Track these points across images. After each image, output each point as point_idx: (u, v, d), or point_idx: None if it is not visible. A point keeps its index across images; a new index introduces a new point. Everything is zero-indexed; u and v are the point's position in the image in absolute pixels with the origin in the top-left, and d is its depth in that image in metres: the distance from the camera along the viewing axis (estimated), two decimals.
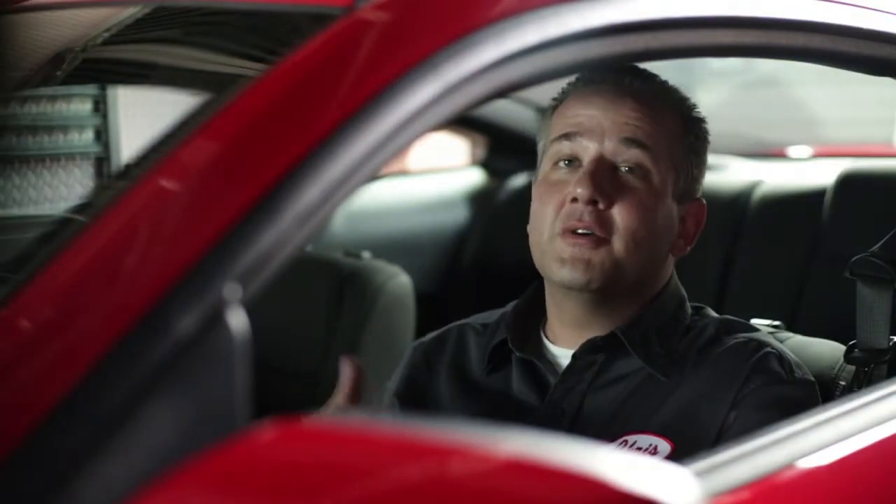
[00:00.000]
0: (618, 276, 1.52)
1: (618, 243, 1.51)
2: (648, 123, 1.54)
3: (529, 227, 1.58)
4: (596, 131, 1.54)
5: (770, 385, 1.50)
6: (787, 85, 4.51)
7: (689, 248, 1.61)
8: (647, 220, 1.52)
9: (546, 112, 1.63)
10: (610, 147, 1.53)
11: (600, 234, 1.50)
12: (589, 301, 1.55)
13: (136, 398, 0.91)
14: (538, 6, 1.14)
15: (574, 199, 1.51)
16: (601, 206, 1.50)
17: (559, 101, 1.61)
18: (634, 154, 1.53)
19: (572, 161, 1.54)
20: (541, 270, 1.58)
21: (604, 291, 1.53)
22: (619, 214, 1.51)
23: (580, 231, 1.51)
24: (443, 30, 1.09)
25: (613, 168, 1.53)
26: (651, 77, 1.60)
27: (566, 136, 1.55)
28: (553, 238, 1.53)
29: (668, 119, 1.56)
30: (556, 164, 1.56)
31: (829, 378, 1.62)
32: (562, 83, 1.61)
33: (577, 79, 1.60)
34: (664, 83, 1.61)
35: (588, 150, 1.53)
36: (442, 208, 3.12)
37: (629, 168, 1.53)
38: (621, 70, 1.57)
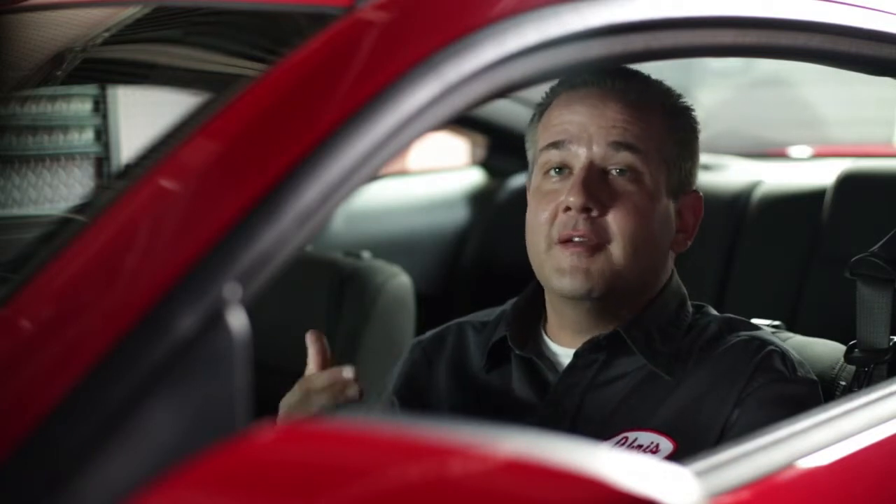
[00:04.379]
0: (618, 281, 1.51)
1: (616, 249, 1.50)
2: (636, 125, 1.53)
3: (526, 237, 1.58)
4: (583, 137, 1.53)
5: (773, 383, 1.50)
6: (787, 85, 4.51)
7: (689, 242, 1.60)
8: (642, 223, 1.51)
9: (532, 120, 1.62)
10: (599, 152, 1.52)
11: (597, 241, 1.50)
12: (590, 308, 1.55)
13: (137, 398, 0.91)
14: (538, 6, 1.14)
15: (567, 208, 1.50)
16: (595, 213, 1.50)
17: (544, 108, 1.60)
18: (624, 157, 1.52)
19: (562, 169, 1.54)
20: (541, 280, 1.57)
21: (605, 298, 1.53)
22: (615, 220, 1.50)
23: (576, 239, 1.50)
24: (443, 30, 1.09)
25: (604, 173, 1.52)
26: (634, 75, 1.58)
27: (554, 145, 1.54)
28: (550, 248, 1.52)
29: (656, 117, 1.55)
30: (546, 173, 1.55)
31: (829, 378, 1.62)
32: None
33: (560, 84, 1.59)
34: (647, 79, 1.59)
35: (578, 156, 1.53)
36: (442, 208, 3.12)
37: (620, 171, 1.52)
38: (605, 72, 1.55)
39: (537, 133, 1.59)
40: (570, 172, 1.53)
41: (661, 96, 1.59)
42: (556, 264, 1.52)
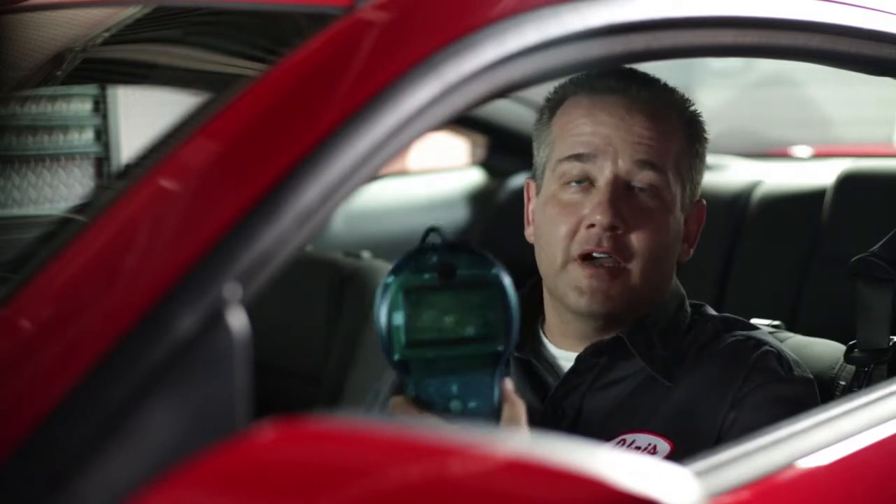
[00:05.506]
0: (634, 298, 1.51)
1: (635, 268, 1.50)
2: (659, 142, 1.52)
3: (539, 245, 1.56)
4: (609, 151, 1.51)
5: (770, 383, 1.50)
6: (787, 85, 4.51)
7: (692, 251, 1.60)
8: (661, 240, 1.51)
9: (542, 116, 1.60)
10: (624, 168, 1.51)
11: (618, 259, 1.49)
12: (600, 321, 1.54)
13: (137, 398, 0.91)
14: (538, 6, 1.14)
15: (591, 225, 1.49)
16: (620, 231, 1.49)
17: (555, 106, 1.58)
18: (647, 175, 1.51)
19: (583, 181, 1.52)
20: (553, 293, 1.56)
21: (618, 312, 1.52)
22: (637, 238, 1.49)
23: (596, 255, 1.49)
24: (443, 30, 1.09)
25: (628, 188, 1.51)
26: (654, 83, 1.57)
27: (577, 157, 1.52)
28: (568, 263, 1.51)
29: (676, 131, 1.55)
30: (566, 183, 1.53)
31: (829, 378, 1.62)
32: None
33: (575, 83, 1.56)
34: (666, 86, 1.59)
35: (602, 171, 1.51)
36: (442, 208, 3.12)
37: (642, 188, 1.51)
38: (626, 77, 1.54)
39: (552, 135, 1.57)
40: (591, 185, 1.51)
41: (679, 105, 1.58)
42: (574, 282, 1.50)
